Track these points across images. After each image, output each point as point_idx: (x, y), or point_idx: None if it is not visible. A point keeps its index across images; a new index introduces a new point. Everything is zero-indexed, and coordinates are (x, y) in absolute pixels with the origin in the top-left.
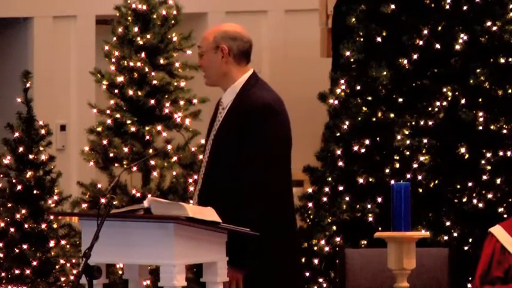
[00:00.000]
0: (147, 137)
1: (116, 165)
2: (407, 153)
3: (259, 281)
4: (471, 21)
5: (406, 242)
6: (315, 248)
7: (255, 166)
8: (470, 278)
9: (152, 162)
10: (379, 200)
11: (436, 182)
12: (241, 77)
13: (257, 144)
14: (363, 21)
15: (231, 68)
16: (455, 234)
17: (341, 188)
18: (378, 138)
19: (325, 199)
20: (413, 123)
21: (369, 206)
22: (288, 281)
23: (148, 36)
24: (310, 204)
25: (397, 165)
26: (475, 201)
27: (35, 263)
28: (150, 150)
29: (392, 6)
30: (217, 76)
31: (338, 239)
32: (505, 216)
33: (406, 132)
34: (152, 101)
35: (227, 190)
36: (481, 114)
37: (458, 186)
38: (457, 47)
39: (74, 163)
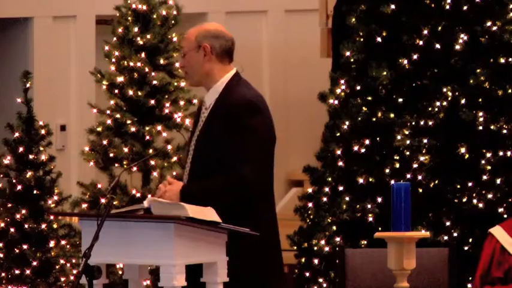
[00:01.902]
0: (147, 137)
1: (116, 165)
2: (407, 153)
3: (240, 277)
4: (471, 21)
5: (406, 242)
6: (315, 248)
7: (249, 161)
8: (470, 278)
9: (152, 162)
10: (379, 200)
11: (436, 182)
12: (224, 77)
13: (243, 139)
14: (363, 21)
15: (214, 67)
16: (455, 234)
17: (341, 188)
18: (378, 138)
19: (325, 199)
20: (413, 123)
21: (369, 206)
22: (267, 277)
23: (148, 36)
24: (310, 204)
25: (397, 165)
26: (475, 201)
27: (35, 263)
28: (150, 150)
29: (393, 6)
30: (200, 76)
31: (338, 239)
32: (505, 216)
33: (406, 132)
34: (152, 101)
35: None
36: (481, 114)
37: (458, 186)
38: (457, 47)
39: (74, 163)
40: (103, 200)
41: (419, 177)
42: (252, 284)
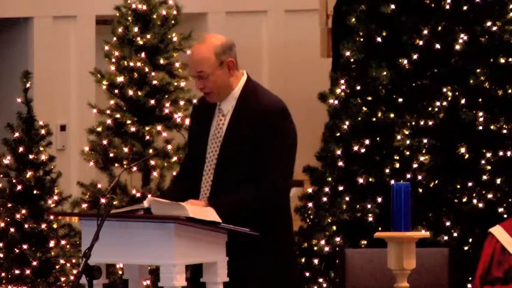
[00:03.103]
0: (147, 137)
1: (116, 165)
2: (407, 153)
3: (263, 279)
4: (471, 21)
5: (406, 242)
6: (315, 248)
7: (281, 167)
8: (470, 278)
9: (152, 162)
10: (379, 200)
11: (436, 182)
12: (239, 83)
13: (279, 144)
14: (363, 21)
15: (233, 77)
16: (455, 234)
17: (341, 188)
18: (378, 138)
19: (325, 199)
20: (413, 123)
21: (369, 206)
22: (288, 280)
23: (148, 36)
24: (310, 204)
25: (397, 165)
26: (475, 201)
27: (35, 263)
28: (150, 150)
29: (392, 6)
30: (226, 90)
31: (338, 239)
32: (505, 216)
33: (406, 132)
34: (152, 101)
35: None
36: (481, 114)
37: (458, 186)
38: (457, 47)
39: (74, 163)
40: (103, 200)
41: (419, 177)
42: (277, 285)
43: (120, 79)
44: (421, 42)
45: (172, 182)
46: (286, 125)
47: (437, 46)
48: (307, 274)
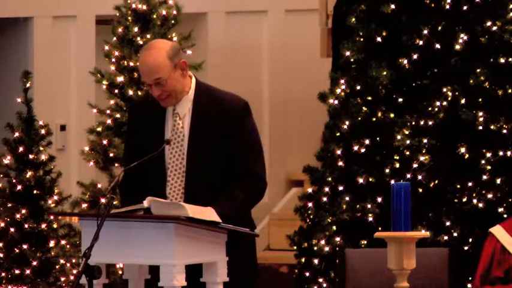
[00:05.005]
0: None
1: (116, 165)
2: (407, 153)
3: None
4: (471, 21)
5: (406, 242)
6: (315, 248)
7: (259, 159)
8: (470, 278)
9: None
10: (379, 200)
11: (436, 182)
12: (190, 84)
13: (252, 140)
14: (363, 21)
15: (186, 79)
16: (455, 234)
17: (341, 188)
18: (378, 138)
19: (325, 199)
20: (413, 123)
21: (369, 206)
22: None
23: (148, 36)
24: (310, 204)
25: (397, 165)
26: (475, 201)
27: (35, 263)
28: None
29: (392, 6)
30: (181, 92)
31: (338, 239)
32: (505, 216)
33: (406, 132)
34: None
35: (223, 188)
36: (481, 114)
37: (458, 186)
38: (457, 47)
39: (74, 163)
40: (103, 200)
41: (419, 177)
42: (244, 284)
43: (120, 79)
44: (421, 42)
45: (123, 190)
46: (252, 118)
47: (437, 46)
48: (307, 274)
